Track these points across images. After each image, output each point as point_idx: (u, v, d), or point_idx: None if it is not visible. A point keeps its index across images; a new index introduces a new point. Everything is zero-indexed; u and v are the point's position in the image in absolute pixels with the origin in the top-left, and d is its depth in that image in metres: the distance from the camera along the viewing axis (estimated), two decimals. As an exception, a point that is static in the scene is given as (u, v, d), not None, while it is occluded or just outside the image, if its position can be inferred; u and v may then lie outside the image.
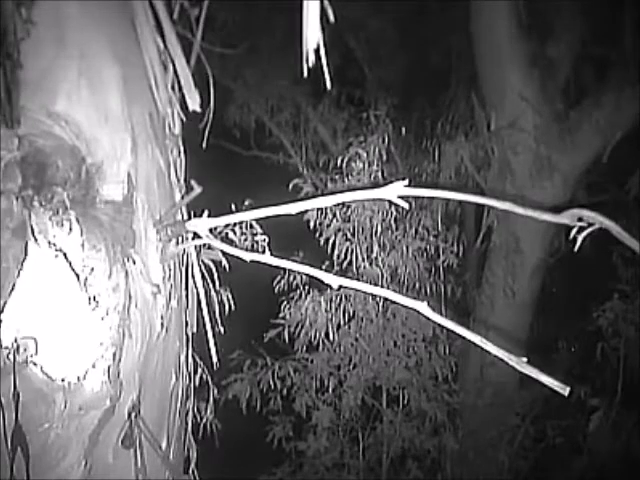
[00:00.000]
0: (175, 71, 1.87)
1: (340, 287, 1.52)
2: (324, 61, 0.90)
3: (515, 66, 4.81)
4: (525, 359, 1.30)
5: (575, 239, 1.25)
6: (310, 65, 0.89)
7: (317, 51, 0.89)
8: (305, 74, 0.90)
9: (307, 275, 1.57)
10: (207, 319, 2.03)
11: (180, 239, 1.85)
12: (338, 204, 4.15)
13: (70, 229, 1.47)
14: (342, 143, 4.99)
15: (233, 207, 3.23)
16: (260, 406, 4.50)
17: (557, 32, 5.00)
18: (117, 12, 1.75)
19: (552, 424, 4.84)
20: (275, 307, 4.45)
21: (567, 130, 4.80)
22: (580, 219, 1.25)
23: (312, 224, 4.37)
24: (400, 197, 1.41)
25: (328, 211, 4.38)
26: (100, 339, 1.51)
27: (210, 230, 1.73)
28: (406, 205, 1.44)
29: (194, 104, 1.85)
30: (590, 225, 1.24)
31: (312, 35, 0.88)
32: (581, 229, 1.24)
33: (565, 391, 1.26)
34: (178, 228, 1.79)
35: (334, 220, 4.39)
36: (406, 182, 1.39)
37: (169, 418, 1.88)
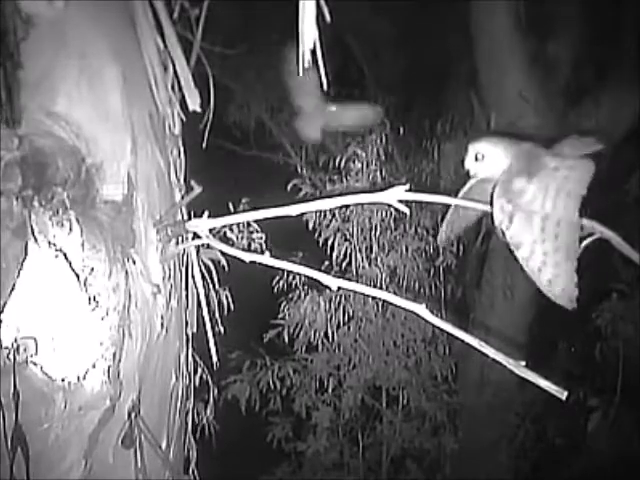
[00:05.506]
0: (175, 71, 1.87)
1: (339, 288, 1.52)
2: (321, 61, 0.90)
3: (515, 66, 4.79)
4: (523, 362, 1.30)
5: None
6: (307, 65, 0.89)
7: (314, 51, 0.88)
8: (301, 74, 0.90)
9: (306, 276, 1.57)
10: (207, 319, 2.03)
11: (180, 239, 1.85)
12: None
13: (70, 229, 1.47)
14: (342, 143, 4.98)
15: (232, 207, 3.22)
16: (259, 406, 4.50)
17: (557, 32, 4.99)
18: (117, 12, 1.75)
19: (552, 424, 4.84)
20: (274, 307, 4.44)
21: (567, 130, 4.79)
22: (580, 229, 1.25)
23: (311, 224, 4.37)
24: (400, 201, 1.42)
25: (327, 211, 4.37)
26: (100, 339, 1.51)
27: (210, 230, 1.73)
28: (407, 210, 1.44)
29: (194, 104, 1.85)
30: (590, 235, 1.24)
31: (308, 35, 0.88)
32: (581, 239, 1.25)
33: (563, 395, 1.26)
34: (178, 228, 1.79)
35: (333, 220, 4.39)
36: (407, 187, 1.39)
37: (169, 418, 1.88)
